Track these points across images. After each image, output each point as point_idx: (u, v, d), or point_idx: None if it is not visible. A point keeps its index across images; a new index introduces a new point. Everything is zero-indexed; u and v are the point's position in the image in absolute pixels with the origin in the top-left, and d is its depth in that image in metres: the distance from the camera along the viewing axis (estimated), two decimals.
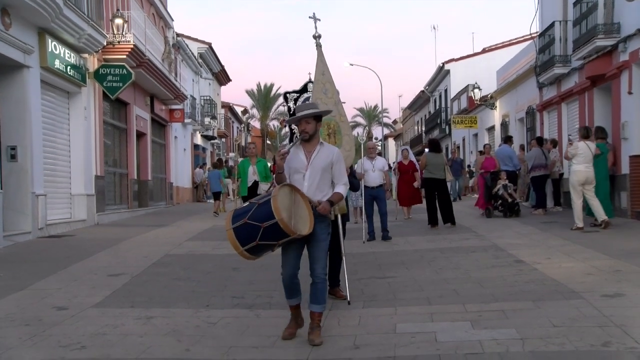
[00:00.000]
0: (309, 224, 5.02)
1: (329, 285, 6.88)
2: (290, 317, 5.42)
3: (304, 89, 11.93)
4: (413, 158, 15.91)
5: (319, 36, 7.48)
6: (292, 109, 11.85)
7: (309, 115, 5.27)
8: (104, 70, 16.17)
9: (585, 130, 12.24)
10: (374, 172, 12.00)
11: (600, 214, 11.62)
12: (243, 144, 52.94)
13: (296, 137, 12.15)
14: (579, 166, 11.62)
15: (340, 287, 7.07)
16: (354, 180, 7.74)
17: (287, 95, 12.31)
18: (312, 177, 5.26)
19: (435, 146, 14.66)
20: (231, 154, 47.02)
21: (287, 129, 13.19)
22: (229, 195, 24.42)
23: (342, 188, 5.40)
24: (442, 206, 13.89)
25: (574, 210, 11.92)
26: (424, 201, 14.55)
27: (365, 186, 11.62)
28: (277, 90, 60.70)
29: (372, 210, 11.99)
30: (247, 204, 5.10)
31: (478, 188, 16.83)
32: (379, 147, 16.11)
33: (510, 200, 15.28)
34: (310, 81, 11.92)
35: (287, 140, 5.49)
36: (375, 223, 12.09)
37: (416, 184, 15.17)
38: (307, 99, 11.88)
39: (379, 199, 11.96)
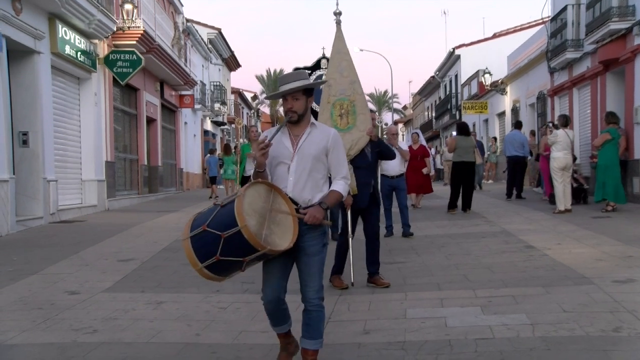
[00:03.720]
0: (291, 236, 3.79)
1: (369, 274, 6.77)
2: (280, 345, 4.28)
3: (316, 65, 11.55)
4: (424, 142, 15.49)
5: (340, 13, 7.25)
6: None
7: (297, 89, 3.96)
8: (114, 56, 16.18)
9: (564, 118, 12.96)
10: (394, 159, 11.04)
11: (567, 202, 12.34)
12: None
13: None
14: (559, 153, 12.35)
15: (380, 274, 6.84)
16: (387, 151, 7.27)
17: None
18: (299, 170, 3.94)
19: (464, 129, 14.25)
20: (241, 140, 47.03)
21: None
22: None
23: (341, 184, 4.05)
24: (465, 191, 13.64)
25: (555, 195, 12.50)
26: (438, 189, 14.31)
27: (383, 175, 10.54)
28: None
29: (391, 202, 10.82)
30: (211, 205, 3.90)
31: (542, 173, 15.51)
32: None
33: (575, 185, 13.81)
34: (323, 57, 11.60)
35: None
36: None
37: (425, 170, 14.46)
38: (320, 76, 11.53)
39: (398, 190, 10.75)
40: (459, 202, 13.78)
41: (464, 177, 13.65)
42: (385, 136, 11.58)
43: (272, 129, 4.10)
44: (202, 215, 3.81)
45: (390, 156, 7.31)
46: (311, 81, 4.17)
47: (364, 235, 6.96)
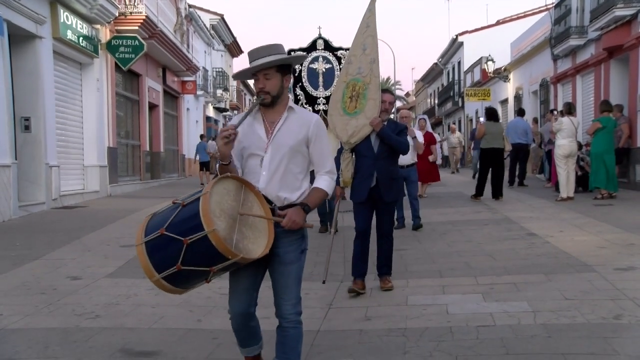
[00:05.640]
0: (265, 241, 3.24)
1: (378, 274, 6.18)
2: None
3: (312, 47, 11.13)
4: (430, 129, 15.18)
5: None
6: (297, 69, 11.13)
7: (266, 65, 3.30)
8: (116, 42, 16.13)
9: (569, 106, 12.92)
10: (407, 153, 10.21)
11: (570, 189, 12.31)
12: None
13: (301, 103, 11.36)
14: (563, 140, 12.27)
15: (388, 277, 6.17)
16: (401, 139, 6.15)
17: (292, 53, 11.41)
18: (274, 163, 3.33)
19: (493, 115, 13.84)
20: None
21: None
22: None
23: (326, 180, 3.45)
24: (495, 179, 13.23)
25: (559, 182, 12.42)
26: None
27: None
28: None
29: (402, 192, 10.01)
30: (170, 204, 3.27)
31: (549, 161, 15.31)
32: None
33: (581, 173, 13.50)
34: (319, 37, 11.20)
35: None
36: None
37: (432, 158, 13.71)
38: (316, 58, 11.10)
39: (409, 180, 10.04)
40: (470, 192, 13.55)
41: (493, 164, 13.17)
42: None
43: (242, 114, 3.45)
44: (160, 216, 3.22)
45: (402, 151, 6.22)
46: (285, 56, 3.37)
47: (376, 232, 6.20)
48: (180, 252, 3.04)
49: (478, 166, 21.89)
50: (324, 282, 5.95)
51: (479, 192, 13.35)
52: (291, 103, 3.44)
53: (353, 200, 6.14)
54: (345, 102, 6.16)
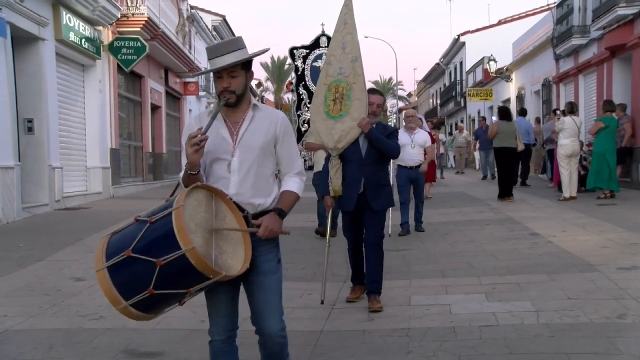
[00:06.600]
0: (243, 255, 2.94)
1: (367, 291, 5.66)
2: None
3: (315, 44, 10.75)
4: (427, 129, 15.12)
5: None
6: (300, 68, 10.77)
7: (234, 64, 3.02)
8: (118, 43, 16.14)
9: (571, 105, 12.95)
10: (412, 148, 9.55)
11: (573, 189, 12.32)
12: None
13: (304, 102, 11.02)
14: (565, 140, 12.29)
15: (377, 297, 5.53)
16: (392, 143, 5.74)
17: (294, 51, 10.87)
18: (244, 167, 3.06)
19: (506, 114, 13.79)
20: None
21: (291, 95, 11.62)
22: None
23: (296, 182, 3.19)
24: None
25: (562, 182, 12.42)
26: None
27: (400, 165, 9.70)
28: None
29: (409, 195, 9.80)
30: (132, 221, 2.97)
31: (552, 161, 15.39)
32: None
33: (583, 173, 13.34)
34: (323, 34, 10.82)
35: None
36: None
37: (429, 158, 13.95)
38: (319, 56, 10.75)
39: (417, 182, 9.82)
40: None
41: (505, 164, 13.15)
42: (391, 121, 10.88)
43: (200, 114, 3.22)
44: (121, 235, 2.91)
45: (392, 155, 5.89)
46: (251, 52, 3.15)
47: (364, 244, 5.75)
48: (152, 275, 2.69)
49: (487, 168, 21.61)
50: (322, 303, 5.45)
51: (504, 191, 13.12)
52: (254, 101, 3.18)
53: (341, 208, 5.80)
54: (329, 105, 5.72)
